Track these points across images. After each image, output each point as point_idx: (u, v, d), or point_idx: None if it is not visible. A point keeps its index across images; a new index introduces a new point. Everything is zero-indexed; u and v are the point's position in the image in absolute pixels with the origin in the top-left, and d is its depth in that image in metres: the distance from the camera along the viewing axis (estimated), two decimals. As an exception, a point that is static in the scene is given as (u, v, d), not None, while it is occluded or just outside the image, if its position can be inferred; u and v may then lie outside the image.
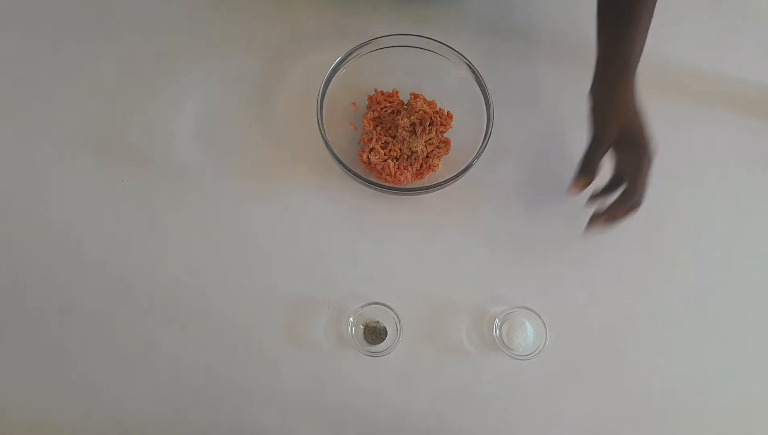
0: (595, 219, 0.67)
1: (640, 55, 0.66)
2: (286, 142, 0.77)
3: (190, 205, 0.75)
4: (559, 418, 0.70)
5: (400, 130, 0.75)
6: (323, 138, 0.72)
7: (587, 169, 0.67)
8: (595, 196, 0.69)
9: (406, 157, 0.75)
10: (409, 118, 0.75)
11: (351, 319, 0.70)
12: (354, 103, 0.78)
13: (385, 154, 0.74)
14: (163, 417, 0.68)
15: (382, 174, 0.74)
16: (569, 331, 0.72)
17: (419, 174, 0.75)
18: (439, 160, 0.75)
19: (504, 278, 0.71)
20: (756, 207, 0.79)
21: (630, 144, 0.65)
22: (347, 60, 0.76)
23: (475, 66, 0.75)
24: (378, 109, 0.77)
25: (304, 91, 0.78)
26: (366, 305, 0.70)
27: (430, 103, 0.77)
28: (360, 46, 0.76)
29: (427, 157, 0.75)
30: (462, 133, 0.76)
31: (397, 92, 0.78)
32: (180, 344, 0.70)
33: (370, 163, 0.74)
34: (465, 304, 0.73)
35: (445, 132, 0.77)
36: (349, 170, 0.71)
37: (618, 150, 0.66)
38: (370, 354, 0.69)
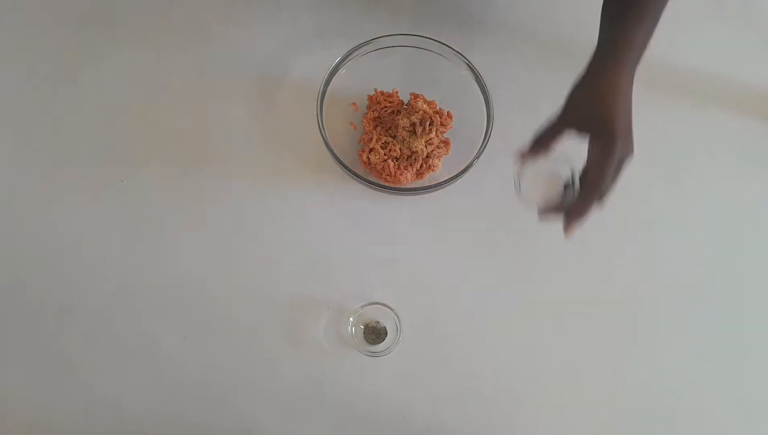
0: (568, 223, 0.62)
1: (641, 51, 0.62)
2: (286, 142, 0.77)
3: (190, 205, 0.75)
4: (559, 418, 0.70)
5: (400, 130, 0.75)
6: (323, 138, 0.72)
7: (535, 144, 0.64)
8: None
9: (406, 157, 0.75)
10: (409, 118, 0.75)
11: (351, 319, 0.70)
12: (354, 103, 0.78)
13: (385, 154, 0.74)
14: (163, 417, 0.68)
15: (382, 174, 0.74)
16: (571, 328, 0.72)
17: (419, 174, 0.75)
18: (439, 160, 0.75)
19: (504, 275, 0.71)
20: (756, 207, 0.79)
21: (600, 135, 0.61)
22: (347, 60, 0.76)
23: (475, 66, 0.76)
24: (378, 109, 0.77)
25: (304, 91, 0.78)
26: (366, 305, 0.70)
27: (430, 103, 0.77)
28: (360, 46, 0.76)
29: (427, 157, 0.75)
30: (462, 133, 0.76)
31: (397, 92, 0.78)
32: (180, 344, 0.70)
33: (370, 163, 0.74)
34: (465, 303, 0.73)
35: (445, 132, 0.77)
36: (349, 170, 0.71)
37: (591, 141, 0.62)
38: (370, 354, 0.69)
